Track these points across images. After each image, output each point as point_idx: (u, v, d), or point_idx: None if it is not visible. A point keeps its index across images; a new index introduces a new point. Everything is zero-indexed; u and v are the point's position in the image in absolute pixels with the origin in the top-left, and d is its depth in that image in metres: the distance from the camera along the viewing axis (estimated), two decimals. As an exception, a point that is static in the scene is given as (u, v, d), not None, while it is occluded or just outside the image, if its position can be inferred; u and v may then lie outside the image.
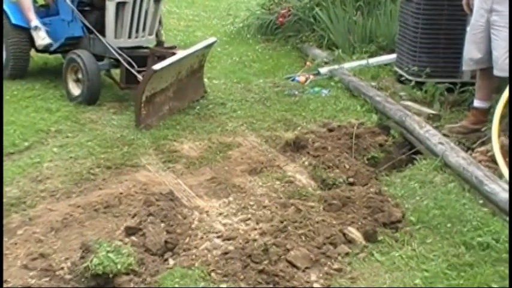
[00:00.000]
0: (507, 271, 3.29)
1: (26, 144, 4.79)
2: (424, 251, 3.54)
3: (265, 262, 3.36)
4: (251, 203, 4.04)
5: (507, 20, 4.84)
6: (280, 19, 8.75)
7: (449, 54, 6.10)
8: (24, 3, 6.11)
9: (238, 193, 4.21)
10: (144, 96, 5.13)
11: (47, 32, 6.10)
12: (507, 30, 4.85)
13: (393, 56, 6.96)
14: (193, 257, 3.45)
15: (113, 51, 5.69)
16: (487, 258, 3.45)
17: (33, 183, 4.19)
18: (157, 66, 5.14)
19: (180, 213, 3.82)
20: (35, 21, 6.09)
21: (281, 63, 7.76)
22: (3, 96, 5.70)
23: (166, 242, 3.52)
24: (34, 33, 6.08)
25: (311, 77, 7.03)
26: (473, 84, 5.62)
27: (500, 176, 4.20)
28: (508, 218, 3.76)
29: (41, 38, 6.06)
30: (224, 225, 3.76)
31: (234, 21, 9.86)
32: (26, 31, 6.17)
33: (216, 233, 3.67)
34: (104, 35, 5.82)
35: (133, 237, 3.55)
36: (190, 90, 5.89)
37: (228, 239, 3.59)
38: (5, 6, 6.20)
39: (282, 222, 3.71)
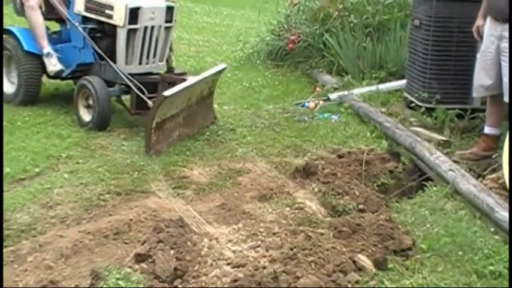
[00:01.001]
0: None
1: (37, 170, 4.81)
2: (435, 280, 3.51)
3: (275, 290, 3.34)
4: (261, 229, 4.03)
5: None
6: (290, 45, 8.79)
7: (459, 80, 6.11)
8: (38, 30, 6.18)
9: (247, 220, 4.19)
10: (155, 123, 5.15)
11: (59, 59, 6.15)
12: (517, 57, 4.85)
13: (403, 82, 6.96)
14: (203, 284, 3.43)
15: (124, 78, 5.73)
16: (499, 286, 3.42)
17: (43, 209, 4.20)
18: (167, 93, 5.16)
19: (189, 240, 3.81)
20: (47, 48, 6.15)
21: (291, 89, 7.78)
22: (16, 122, 5.75)
23: (175, 269, 3.51)
24: (46, 60, 6.14)
25: (321, 102, 7.04)
26: (483, 110, 5.61)
27: (512, 203, 4.18)
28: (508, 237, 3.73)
29: (53, 64, 6.11)
30: (234, 252, 3.75)
31: (243, 47, 9.91)
32: (38, 58, 6.22)
33: (226, 260, 3.66)
34: (114, 61, 5.87)
35: (142, 264, 3.54)
36: (200, 116, 5.91)
37: (238, 266, 3.57)
38: (17, 33, 6.26)
39: (291, 249, 3.69)
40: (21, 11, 6.37)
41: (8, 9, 7.56)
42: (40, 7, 6.27)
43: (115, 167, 4.92)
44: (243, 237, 3.93)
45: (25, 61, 6.24)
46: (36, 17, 6.20)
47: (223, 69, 6.17)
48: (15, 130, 5.55)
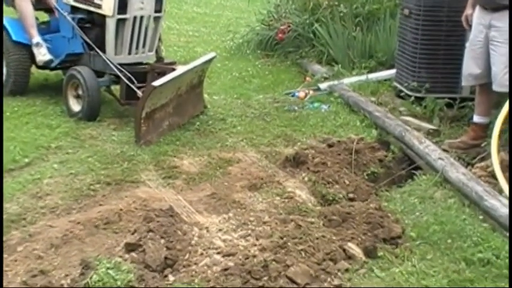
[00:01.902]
0: (508, 287, 3.29)
1: (26, 160, 4.79)
2: (424, 267, 3.53)
3: (265, 278, 3.35)
4: (251, 218, 4.03)
5: (506, 36, 4.86)
6: (280, 35, 8.79)
7: (448, 69, 6.12)
8: (27, 20, 6.14)
9: (238, 209, 4.20)
10: (144, 113, 5.14)
11: (48, 49, 6.12)
12: (506, 46, 4.87)
13: (393, 71, 6.98)
14: (193, 273, 3.44)
15: (113, 68, 5.71)
16: (488, 274, 3.45)
17: (33, 199, 4.19)
18: (157, 83, 5.15)
19: (179, 229, 3.81)
20: (37, 38, 6.11)
21: (281, 79, 7.79)
22: (5, 113, 5.72)
23: (166, 258, 3.51)
24: (35, 50, 6.10)
25: (311, 92, 7.05)
26: (472, 99, 5.63)
27: (500, 191, 4.21)
28: (508, 234, 3.76)
29: (42, 54, 6.08)
30: (224, 241, 3.75)
31: (233, 37, 9.90)
32: (26, 48, 6.19)
33: (216, 249, 3.66)
34: (104, 51, 5.84)
35: (133, 254, 3.54)
36: (190, 105, 5.91)
37: (228, 255, 3.58)
38: (5, 23, 6.23)
39: (281, 238, 3.70)
40: (10, 1, 6.33)
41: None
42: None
43: (105, 157, 4.91)
44: (233, 226, 3.94)
45: (14, 51, 6.20)
46: (27, 7, 6.16)
47: (212, 58, 6.16)
48: (4, 120, 5.51)
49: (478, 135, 5.29)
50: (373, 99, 6.55)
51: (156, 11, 6.00)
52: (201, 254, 3.61)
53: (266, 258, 3.46)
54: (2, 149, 4.78)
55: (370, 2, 8.25)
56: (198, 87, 6.07)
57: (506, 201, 3.97)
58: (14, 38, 6.16)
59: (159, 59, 6.31)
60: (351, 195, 4.52)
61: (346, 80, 7.17)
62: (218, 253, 3.61)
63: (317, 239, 3.71)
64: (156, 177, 4.67)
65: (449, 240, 3.78)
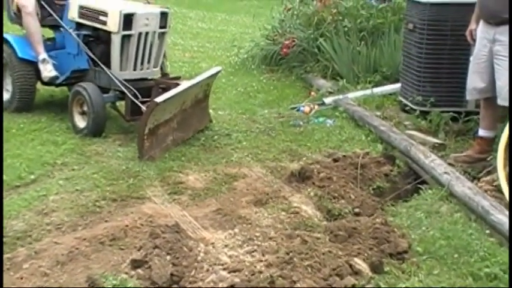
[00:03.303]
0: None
1: (32, 177, 4.80)
2: (431, 283, 3.52)
3: (272, 294, 3.34)
4: (257, 234, 4.03)
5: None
6: (285, 50, 8.80)
7: (453, 83, 6.12)
8: (34, 36, 6.17)
9: (243, 224, 4.19)
10: (147, 129, 5.14)
11: (53, 65, 6.14)
12: (510, 60, 4.87)
13: (397, 85, 6.99)
14: (200, 289, 3.43)
15: (119, 84, 5.73)
16: (495, 288, 3.43)
17: (39, 216, 4.18)
18: (159, 99, 5.15)
19: (185, 245, 3.81)
20: (43, 54, 6.14)
21: (286, 94, 7.79)
22: (10, 130, 5.74)
23: (172, 274, 3.50)
24: (41, 66, 6.12)
25: (316, 107, 7.06)
26: (477, 113, 5.63)
27: (507, 205, 4.19)
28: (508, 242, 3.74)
29: (48, 70, 6.10)
30: (230, 257, 3.75)
31: (238, 52, 9.92)
32: (32, 64, 6.21)
33: (222, 265, 3.65)
34: (109, 67, 5.86)
35: (139, 270, 3.54)
36: (195, 120, 5.91)
37: (234, 271, 3.57)
38: (11, 40, 6.26)
39: (287, 253, 3.69)
40: (16, 18, 6.37)
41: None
42: (37, 14, 6.26)
43: (110, 173, 4.91)
44: (239, 242, 3.94)
45: (19, 68, 6.23)
46: (34, 24, 6.19)
47: (217, 73, 6.17)
48: (10, 137, 5.53)
49: (483, 149, 5.28)
50: (378, 113, 6.55)
51: (161, 27, 6.02)
52: (207, 270, 3.60)
53: (272, 274, 3.45)
54: (2, 164, 4.78)
55: (375, 16, 8.26)
56: (204, 101, 6.08)
57: (513, 215, 3.95)
58: (19, 55, 6.19)
59: (164, 74, 6.33)
60: (356, 210, 4.52)
61: (351, 95, 7.18)
62: (224, 269, 3.60)
63: (323, 254, 3.70)
64: (162, 193, 4.67)
65: (455, 255, 3.77)
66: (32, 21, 6.19)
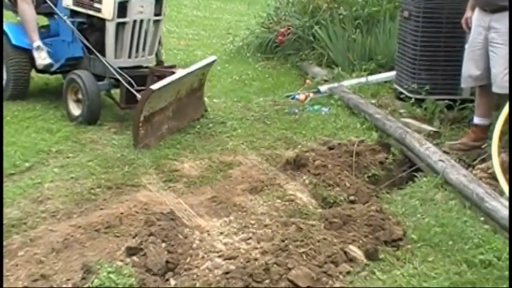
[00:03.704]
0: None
1: (27, 165, 4.79)
2: (426, 269, 3.52)
3: (267, 281, 3.34)
4: (252, 222, 4.03)
5: (505, 38, 4.87)
6: (280, 38, 8.79)
7: (448, 71, 6.13)
8: (29, 24, 6.14)
9: (239, 212, 4.20)
10: (142, 116, 5.13)
11: (48, 53, 6.12)
12: (505, 48, 4.87)
13: (392, 73, 6.99)
14: (195, 276, 3.43)
15: (113, 71, 5.72)
16: (489, 276, 3.44)
17: (34, 204, 4.18)
18: (155, 86, 5.14)
19: (181, 232, 3.81)
20: (38, 42, 6.11)
21: (281, 82, 7.79)
22: (5, 117, 5.72)
23: (167, 262, 3.51)
24: (36, 53, 6.10)
25: (311, 95, 7.05)
26: (472, 101, 5.64)
27: (501, 193, 4.20)
28: (508, 236, 3.75)
29: (42, 58, 6.08)
30: (225, 244, 3.75)
31: (233, 40, 9.90)
32: (26, 52, 6.19)
33: (217, 252, 3.66)
34: (104, 55, 5.85)
35: (134, 258, 3.54)
36: (190, 109, 5.91)
37: (229, 259, 3.58)
38: (5, 28, 6.23)
39: (283, 241, 3.69)
40: (11, 5, 6.34)
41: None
42: (32, 1, 6.23)
43: (105, 161, 4.91)
44: (234, 229, 3.94)
45: (13, 55, 6.21)
46: (29, 11, 6.16)
47: (213, 62, 6.16)
48: (5, 125, 5.51)
49: (478, 136, 5.29)
50: (373, 101, 6.55)
51: (155, 15, 6.00)
52: (202, 257, 3.60)
53: (267, 261, 3.46)
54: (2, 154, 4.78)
55: (370, 4, 8.26)
56: (199, 90, 6.07)
57: (507, 203, 3.96)
58: (13, 42, 6.17)
59: (159, 62, 6.31)
60: (351, 198, 4.53)
61: (346, 83, 7.18)
62: (219, 256, 3.60)
63: (318, 241, 3.70)
64: (157, 181, 4.67)
65: (450, 242, 3.78)
66: (27, 8, 6.16)
